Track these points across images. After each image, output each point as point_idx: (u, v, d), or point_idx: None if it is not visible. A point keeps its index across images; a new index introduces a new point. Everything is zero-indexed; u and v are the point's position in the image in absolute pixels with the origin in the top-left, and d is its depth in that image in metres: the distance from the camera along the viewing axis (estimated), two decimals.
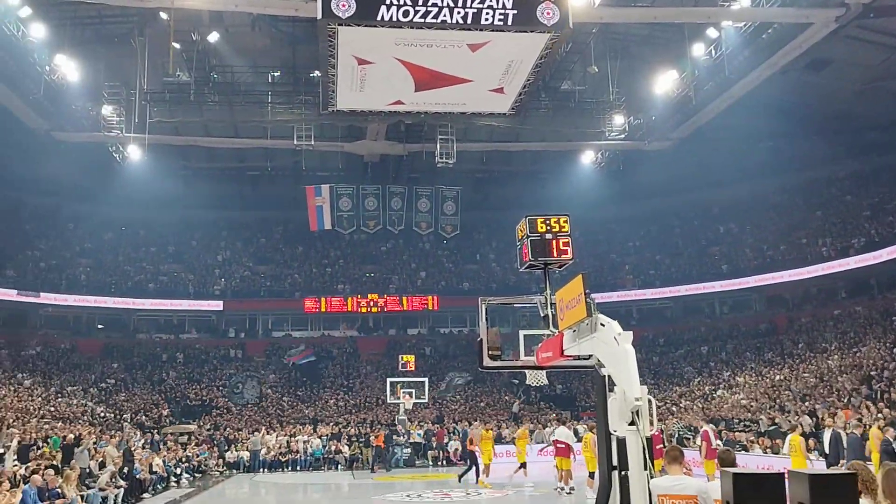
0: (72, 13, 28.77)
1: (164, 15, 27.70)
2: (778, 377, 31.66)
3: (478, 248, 48.60)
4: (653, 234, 46.63)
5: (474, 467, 22.00)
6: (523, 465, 21.89)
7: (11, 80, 28.62)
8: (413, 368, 31.89)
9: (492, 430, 24.90)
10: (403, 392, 29.56)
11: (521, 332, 10.52)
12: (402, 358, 32.36)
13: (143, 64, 29.81)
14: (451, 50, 22.06)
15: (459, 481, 21.63)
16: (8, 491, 13.52)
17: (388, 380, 31.05)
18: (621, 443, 6.88)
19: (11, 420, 25.64)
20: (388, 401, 31.17)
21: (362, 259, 47.39)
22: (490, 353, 10.11)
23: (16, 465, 17.48)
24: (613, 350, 7.14)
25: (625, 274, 44.79)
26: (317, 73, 28.74)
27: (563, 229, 9.67)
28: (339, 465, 29.67)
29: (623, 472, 6.90)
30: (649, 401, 6.73)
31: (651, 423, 6.71)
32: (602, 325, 7.40)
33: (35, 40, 26.75)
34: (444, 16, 19.34)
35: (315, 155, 36.70)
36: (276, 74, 33.47)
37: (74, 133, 32.64)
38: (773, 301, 39.96)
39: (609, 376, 7.42)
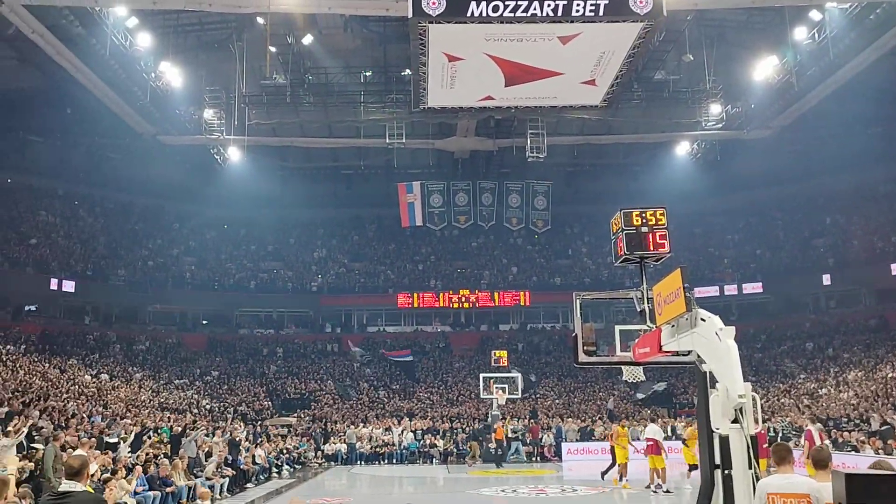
0: (174, 21, 30.05)
1: (260, 20, 28.60)
2: (890, 374, 30.06)
3: (569, 243, 48.14)
4: (752, 226, 45.03)
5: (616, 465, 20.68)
6: (616, 465, 20.76)
7: (121, 88, 30.15)
8: (506, 364, 31.84)
9: (627, 426, 23.27)
10: (496, 387, 29.56)
11: (617, 328, 10.34)
12: (495, 353, 32.32)
13: (242, 68, 30.85)
14: (542, 43, 21.93)
15: (602, 478, 20.72)
16: (123, 478, 14.25)
17: (481, 375, 31.11)
18: (724, 441, 6.69)
19: (125, 411, 27.06)
20: (481, 396, 31.24)
21: (453, 255, 47.69)
22: (585, 348, 9.99)
23: (129, 454, 18.41)
24: (715, 346, 6.95)
25: (723, 268, 43.44)
26: (407, 71, 29.08)
27: (659, 222, 9.46)
28: (434, 459, 29.97)
29: (726, 472, 6.72)
30: (753, 398, 6.52)
31: (756, 421, 6.50)
32: (702, 319, 7.20)
33: (141, 49, 28.05)
34: (535, 9, 19.22)
35: (406, 152, 37.18)
36: (367, 74, 34.07)
37: (178, 136, 34.11)
38: (884, 295, 37.90)
39: (710, 373, 7.22)
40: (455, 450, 30.63)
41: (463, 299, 43.30)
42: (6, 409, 20.74)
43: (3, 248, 35.63)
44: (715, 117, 31.68)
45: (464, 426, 32.65)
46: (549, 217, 41.51)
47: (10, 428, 16.33)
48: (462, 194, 41.03)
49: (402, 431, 31.37)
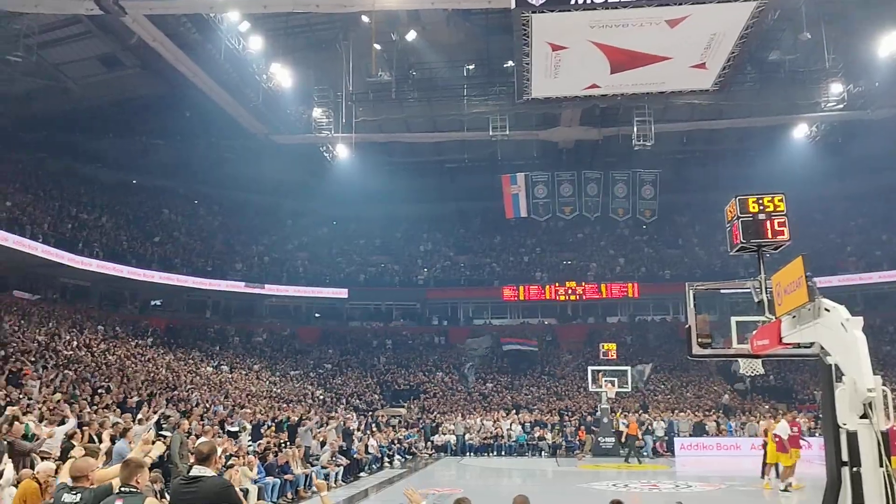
0: (284, 24, 31.01)
1: (365, 18, 29.13)
2: None
3: (679, 233, 46.81)
4: (878, 211, 42.39)
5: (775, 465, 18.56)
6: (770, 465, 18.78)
7: (235, 90, 31.45)
8: (615, 357, 31.33)
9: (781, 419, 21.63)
10: (605, 380, 29.13)
11: (733, 319, 10.00)
12: (603, 346, 31.85)
13: (348, 66, 31.56)
14: (648, 28, 21.39)
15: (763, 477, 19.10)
16: (244, 465, 14.89)
17: (590, 368, 30.73)
18: (852, 437, 6.37)
19: (244, 401, 28.27)
20: (590, 389, 30.87)
21: (559, 246, 47.24)
22: (699, 340, 9.71)
23: (249, 443, 19.21)
24: (841, 337, 6.62)
25: (846, 256, 41.16)
26: (510, 62, 28.99)
27: (778, 209, 9.08)
28: (543, 452, 29.86)
29: (854, 469, 6.39)
30: (884, 392, 6.18)
31: (887, 416, 6.16)
32: (826, 310, 6.87)
33: (253, 52, 29.14)
34: None
35: (510, 144, 37.06)
36: (470, 68, 34.19)
37: (290, 136, 35.26)
38: None
39: (835, 366, 6.88)
40: (564, 443, 30.41)
41: (569, 291, 42.80)
42: (137, 398, 22.03)
43: (131, 246, 37.82)
44: (835, 97, 30.09)
45: (573, 419, 32.34)
46: (657, 206, 40.45)
47: (140, 416, 17.37)
48: (567, 185, 40.51)
49: (511, 424, 31.39)
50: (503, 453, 29.94)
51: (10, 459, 10.47)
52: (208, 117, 35.34)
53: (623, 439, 27.03)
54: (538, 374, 39.71)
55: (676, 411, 32.51)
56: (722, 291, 11.75)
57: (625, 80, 26.08)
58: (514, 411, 33.63)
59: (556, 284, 43.05)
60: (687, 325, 9.89)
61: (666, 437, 30.12)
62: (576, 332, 43.20)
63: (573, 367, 39.42)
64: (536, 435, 30.69)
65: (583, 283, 42.99)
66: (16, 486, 9.36)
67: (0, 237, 28.07)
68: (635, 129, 31.77)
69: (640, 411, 32.56)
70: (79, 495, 5.89)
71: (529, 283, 43.61)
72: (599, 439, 28.91)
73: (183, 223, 44.25)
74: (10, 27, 28.02)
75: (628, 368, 30.74)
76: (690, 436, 29.95)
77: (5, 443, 10.88)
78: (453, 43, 33.20)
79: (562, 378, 38.90)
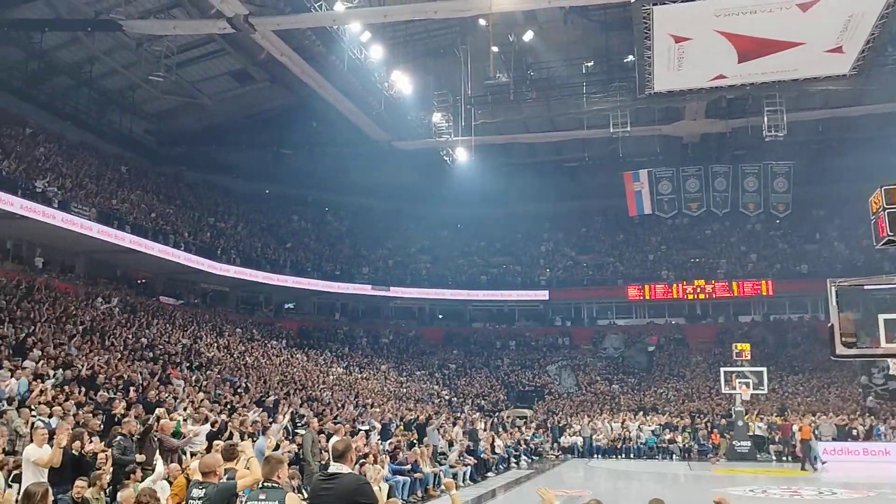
0: (403, 32, 31.68)
1: (482, 21, 29.27)
2: None
3: (816, 227, 44.31)
4: None
5: None
6: None
7: (358, 99, 32.37)
8: (748, 357, 30.03)
9: None
10: (739, 382, 27.99)
11: (881, 317, 9.39)
12: (736, 346, 30.59)
13: (467, 70, 31.81)
14: (778, 13, 20.45)
15: None
16: (373, 464, 15.28)
17: (722, 369, 29.62)
18: None
19: (373, 401, 29.02)
20: (723, 391, 29.74)
21: (686, 244, 45.80)
22: (843, 339, 9.17)
23: (379, 441, 19.70)
24: None
25: None
26: (631, 57, 28.42)
27: None
28: (674, 455, 29.02)
29: None
30: None
31: None
32: None
33: (374, 61, 29.86)
34: None
35: (632, 141, 36.25)
36: (589, 65, 33.68)
37: (411, 141, 35.93)
38: None
39: None
40: (696, 446, 29.44)
41: (698, 290, 41.44)
42: (273, 397, 23.04)
43: (265, 252, 39.64)
44: None
45: (704, 422, 31.24)
46: (791, 200, 38.39)
47: (279, 414, 18.16)
48: (693, 180, 39.13)
49: (639, 426, 30.69)
50: (632, 456, 29.31)
51: (161, 456, 11.19)
52: (334, 126, 36.55)
53: (796, 444, 25.78)
54: (666, 376, 38.64)
55: (819, 414, 30.78)
56: (866, 288, 10.99)
57: (754, 69, 25.01)
58: (643, 413, 32.86)
59: (684, 283, 41.78)
60: (829, 324, 9.38)
61: None
62: (705, 332, 41.74)
63: (703, 369, 38.09)
64: (667, 438, 29.86)
65: (712, 281, 41.53)
66: (167, 480, 10.00)
67: (147, 246, 30.12)
68: (766, 119, 30.32)
69: (777, 414, 31.11)
70: (204, 490, 6.27)
71: (655, 282, 42.53)
72: (734, 443, 27.81)
73: (312, 229, 46.00)
74: (152, 49, 30.02)
75: (763, 369, 29.43)
76: (834, 440, 28.27)
77: (156, 440, 11.63)
78: (571, 40, 32.87)
79: (691, 379, 37.68)
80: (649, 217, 41.45)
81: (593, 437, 30.26)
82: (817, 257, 42.00)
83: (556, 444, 30.61)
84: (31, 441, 10.02)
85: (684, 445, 29.41)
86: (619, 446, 29.81)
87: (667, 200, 39.28)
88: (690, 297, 41.77)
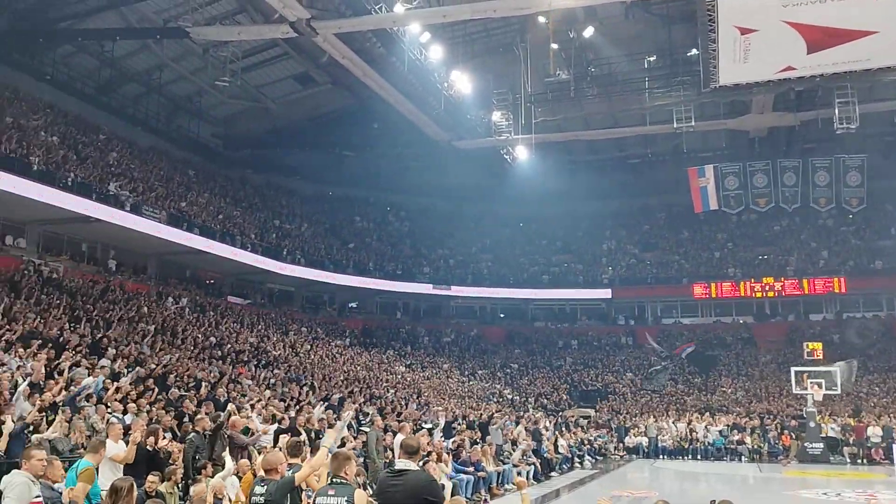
0: (462, 31, 31.74)
1: (542, 19, 29.16)
2: None
3: (891, 222, 42.60)
4: None
5: None
6: None
7: (418, 100, 32.54)
8: (821, 357, 29.14)
9: None
10: (811, 382, 27.18)
11: None
12: (807, 346, 29.77)
13: (526, 68, 31.71)
14: (849, 1, 19.76)
15: None
16: (437, 462, 15.34)
17: (793, 369, 28.80)
18: None
19: (436, 399, 29.14)
20: (794, 391, 28.92)
21: (753, 240, 44.68)
22: None
23: (442, 439, 19.77)
24: None
25: None
26: (695, 50, 27.89)
27: None
28: (743, 457, 28.35)
29: None
30: None
31: None
32: None
33: (434, 61, 29.98)
34: None
35: (696, 136, 35.62)
36: (651, 59, 33.23)
37: (471, 140, 35.95)
38: None
39: None
40: (766, 447, 28.70)
41: (767, 288, 40.40)
42: (338, 395, 23.35)
43: (329, 253, 40.23)
44: None
45: (774, 422, 30.40)
46: (865, 194, 37.12)
47: (343, 412, 18.39)
48: (760, 175, 38.17)
49: (706, 426, 30.07)
50: (699, 457, 28.73)
51: (230, 452, 11.45)
52: (394, 127, 36.84)
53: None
54: (734, 376, 37.77)
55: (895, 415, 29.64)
56: None
57: (824, 60, 24.23)
58: (710, 413, 32.19)
59: (752, 280, 40.79)
60: None
61: (883, 444, 27.55)
62: (774, 331, 40.65)
63: (773, 368, 37.09)
64: (735, 439, 29.17)
65: (782, 279, 40.44)
66: (237, 475, 10.23)
67: (217, 248, 30.91)
68: (837, 111, 29.34)
69: (851, 415, 30.09)
70: (265, 486, 6.42)
71: (722, 280, 41.61)
72: (806, 445, 27.01)
73: (374, 229, 46.49)
74: (218, 55, 30.73)
75: (836, 369, 28.51)
76: None
77: (226, 436, 11.90)
78: (632, 35, 32.47)
79: (760, 379, 36.73)
80: (715, 213, 40.60)
81: (658, 437, 29.79)
82: (892, 253, 40.44)
83: (620, 445, 30.23)
84: (108, 437, 10.40)
85: (753, 447, 28.70)
86: (685, 447, 29.27)
87: (733, 196, 38.43)
88: (759, 295, 40.75)
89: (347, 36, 27.55)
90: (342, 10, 26.18)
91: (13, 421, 10.36)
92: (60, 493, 7.95)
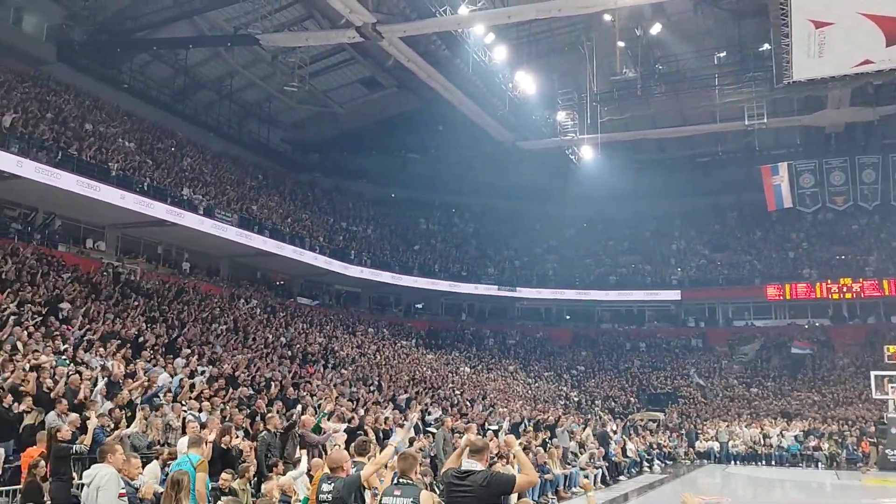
0: (527, 31, 31.63)
1: (608, 17, 28.81)
2: None
3: None
4: None
5: None
6: None
7: (482, 101, 32.58)
8: None
9: None
10: (892, 387, 26.12)
11: None
12: (888, 349, 28.57)
13: (592, 67, 31.39)
14: None
15: None
16: (504, 464, 15.30)
17: (872, 373, 27.74)
18: None
19: (501, 401, 29.08)
20: (874, 396, 27.85)
21: (830, 240, 43.20)
22: None
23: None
24: None
25: None
26: (767, 45, 27.23)
27: None
28: (819, 464, 27.42)
29: None
30: None
31: None
32: None
33: (498, 62, 29.94)
34: None
35: (769, 133, 34.73)
36: (721, 56, 32.55)
37: (536, 141, 35.79)
38: None
39: None
40: (844, 454, 27.69)
41: (844, 289, 38.97)
42: (405, 395, 23.54)
43: (394, 255, 40.61)
44: None
45: (853, 429, 29.31)
46: None
47: (410, 412, 18.54)
48: (837, 172, 36.91)
49: (780, 432, 29.20)
50: (773, 463, 27.92)
51: (303, 451, 11.66)
52: (459, 129, 36.97)
53: None
54: (810, 380, 36.58)
55: None
56: None
57: None
58: (784, 419, 31.25)
59: (828, 281, 39.43)
60: None
61: None
62: (853, 334, 39.16)
63: (851, 372, 35.78)
64: (811, 444, 28.24)
65: (860, 280, 38.97)
66: (309, 474, 10.41)
67: (286, 250, 31.55)
68: None
69: None
70: (332, 484, 6.52)
71: (796, 281, 40.33)
72: (887, 451, 25.96)
73: (439, 231, 46.72)
74: (286, 61, 31.43)
75: None
76: None
77: (298, 435, 12.12)
78: (701, 31, 31.84)
79: (838, 384, 35.47)
80: (789, 212, 39.43)
81: (730, 442, 29.06)
82: None
83: (690, 449, 29.61)
84: (184, 433, 10.72)
85: (830, 453, 27.73)
86: (758, 452, 28.48)
87: (809, 194, 37.28)
88: (836, 296, 39.36)
89: (412, 39, 27.78)
90: (407, 14, 26.42)
91: (97, 417, 10.76)
92: (137, 489, 8.24)
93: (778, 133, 37.04)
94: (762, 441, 28.82)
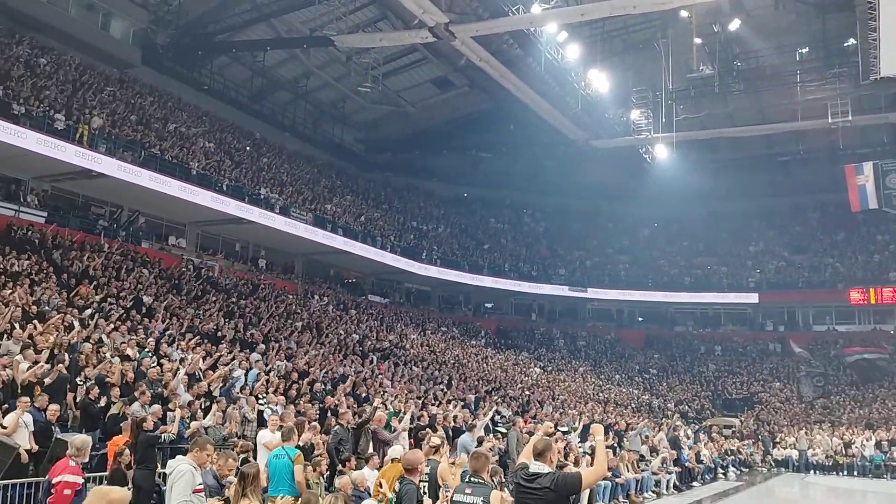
0: (600, 29, 31.26)
1: (684, 13, 28.25)
2: None
3: None
4: None
5: None
6: None
7: (555, 100, 32.37)
8: None
9: None
10: None
11: None
12: None
13: (667, 64, 30.82)
14: None
15: None
16: (574, 466, 15.18)
17: None
18: None
19: (572, 402, 28.83)
20: None
21: None
22: None
23: (579, 444, 19.54)
24: None
25: None
26: (852, 40, 26.25)
27: None
28: None
29: None
30: None
31: None
32: None
33: (571, 60, 29.66)
34: None
35: (853, 131, 33.46)
36: (803, 52, 31.56)
37: (609, 139, 35.37)
38: None
39: None
40: None
41: None
42: (474, 394, 23.58)
43: (464, 254, 40.69)
44: None
45: None
46: None
47: (479, 411, 18.59)
48: None
49: (863, 441, 28.09)
50: (854, 473, 26.90)
51: (373, 447, 11.84)
52: (530, 128, 36.82)
53: None
54: (894, 388, 35.06)
55: None
56: None
57: None
58: (867, 427, 30.05)
59: None
60: None
61: None
62: None
63: None
64: (895, 455, 27.06)
65: None
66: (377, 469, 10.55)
67: (359, 248, 32.00)
68: None
69: None
70: (401, 485, 6.69)
71: (882, 285, 38.72)
72: None
73: (509, 231, 46.58)
74: (360, 61, 31.86)
75: None
76: None
77: (370, 431, 12.30)
78: (782, 27, 30.89)
79: None
80: (874, 213, 37.90)
81: (809, 450, 28.12)
82: None
83: (768, 457, 28.77)
84: (261, 427, 11.01)
85: None
86: (839, 462, 27.47)
87: (895, 195, 35.69)
88: None
89: (484, 39, 27.80)
90: (480, 13, 26.45)
91: (179, 409, 11.16)
92: (224, 486, 8.46)
93: (863, 131, 35.67)
94: (843, 450, 27.80)
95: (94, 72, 28.16)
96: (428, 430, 13.70)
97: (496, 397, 24.80)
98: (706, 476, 22.59)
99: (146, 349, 14.78)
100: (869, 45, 22.80)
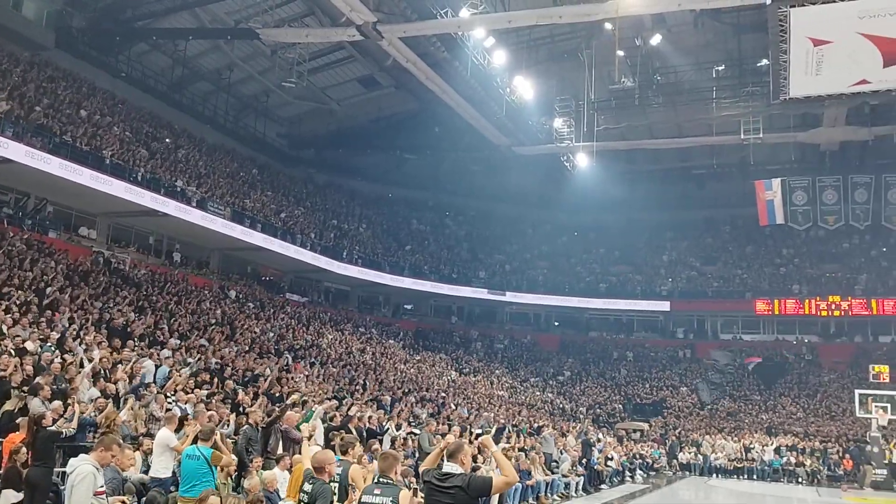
0: (527, 37, 31.62)
1: (608, 25, 28.80)
2: None
3: None
4: None
5: None
6: None
7: (480, 105, 32.59)
8: (888, 380, 28.15)
9: None
10: (876, 406, 26.29)
11: None
12: (874, 368, 28.80)
13: (591, 75, 31.39)
14: None
15: None
16: (485, 468, 15.29)
17: (857, 391, 27.92)
18: None
19: (486, 404, 29.06)
20: (857, 414, 28.00)
21: (820, 258, 43.35)
22: None
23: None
24: None
25: None
26: (765, 61, 27.29)
27: None
28: (801, 479, 27.53)
29: None
30: None
31: None
32: None
33: (497, 66, 29.91)
34: None
35: (764, 148, 34.84)
36: (720, 69, 32.63)
37: (531, 146, 35.83)
38: None
39: None
40: (825, 471, 27.81)
41: (833, 306, 39.12)
42: (390, 396, 23.49)
43: (385, 255, 40.55)
44: None
45: (836, 446, 29.44)
46: None
47: (393, 413, 18.51)
48: (830, 191, 37.00)
49: (763, 446, 29.31)
50: (754, 477, 28.03)
51: (284, 447, 11.65)
52: (455, 131, 36.98)
53: None
54: (795, 396, 36.71)
55: None
56: None
57: None
58: (768, 433, 31.36)
59: (818, 298, 39.59)
60: None
61: None
62: (840, 352, 39.35)
63: (836, 389, 35.95)
64: (793, 460, 28.35)
65: (849, 298, 39.13)
66: (288, 470, 10.37)
67: (278, 245, 31.46)
68: None
69: None
70: (312, 485, 6.43)
71: (786, 297, 40.49)
72: (875, 471, 26.08)
73: (431, 232, 46.66)
74: (286, 56, 31.34)
75: None
76: None
77: (281, 431, 12.09)
78: (701, 44, 31.92)
79: (822, 401, 35.62)
80: (781, 228, 39.61)
81: (712, 455, 29.15)
82: None
83: (673, 461, 29.67)
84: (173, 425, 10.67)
85: (812, 469, 27.84)
86: (740, 466, 28.57)
87: (801, 211, 37.36)
88: (824, 313, 39.52)
89: (412, 40, 27.77)
90: (408, 14, 26.41)
91: (79, 405, 10.72)
92: (126, 480, 8.17)
93: (774, 148, 37.17)
94: (744, 455, 28.92)
95: (2, 52, 26.82)
96: (342, 430, 13.56)
97: (412, 399, 24.78)
98: (614, 479, 23.13)
99: (48, 343, 14.16)
100: (780, 67, 23.75)
